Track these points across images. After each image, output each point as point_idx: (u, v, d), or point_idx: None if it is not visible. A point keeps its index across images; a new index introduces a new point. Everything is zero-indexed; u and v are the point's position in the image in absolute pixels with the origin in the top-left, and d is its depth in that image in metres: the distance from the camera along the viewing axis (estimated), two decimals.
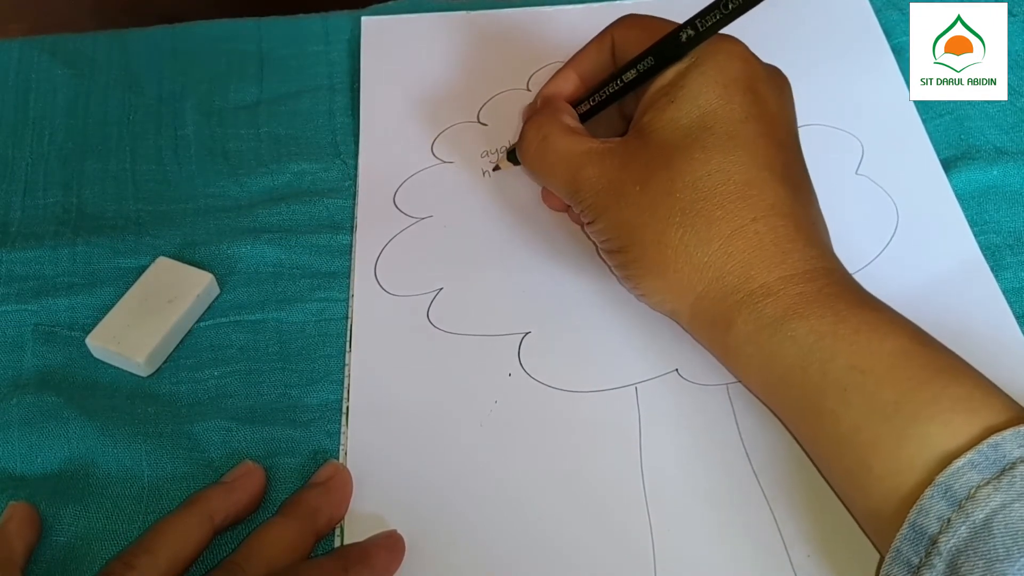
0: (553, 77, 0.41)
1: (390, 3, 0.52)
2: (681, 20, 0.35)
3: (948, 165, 0.44)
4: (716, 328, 0.34)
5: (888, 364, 0.30)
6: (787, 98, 0.37)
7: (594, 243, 0.38)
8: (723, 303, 0.33)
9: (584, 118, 0.40)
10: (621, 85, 0.38)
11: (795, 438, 0.34)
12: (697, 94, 0.35)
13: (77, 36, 0.51)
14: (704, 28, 0.34)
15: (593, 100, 0.39)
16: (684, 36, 0.35)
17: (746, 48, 0.36)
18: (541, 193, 0.43)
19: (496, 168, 0.45)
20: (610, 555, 0.33)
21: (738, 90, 0.35)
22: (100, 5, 1.14)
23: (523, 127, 0.39)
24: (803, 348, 0.31)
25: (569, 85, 0.40)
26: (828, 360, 0.31)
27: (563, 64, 0.41)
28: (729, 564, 0.33)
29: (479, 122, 0.47)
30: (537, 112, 0.39)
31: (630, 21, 0.39)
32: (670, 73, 0.36)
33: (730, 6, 0.33)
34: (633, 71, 0.37)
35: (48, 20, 1.11)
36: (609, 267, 0.38)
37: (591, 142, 0.37)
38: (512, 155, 0.43)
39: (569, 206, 0.39)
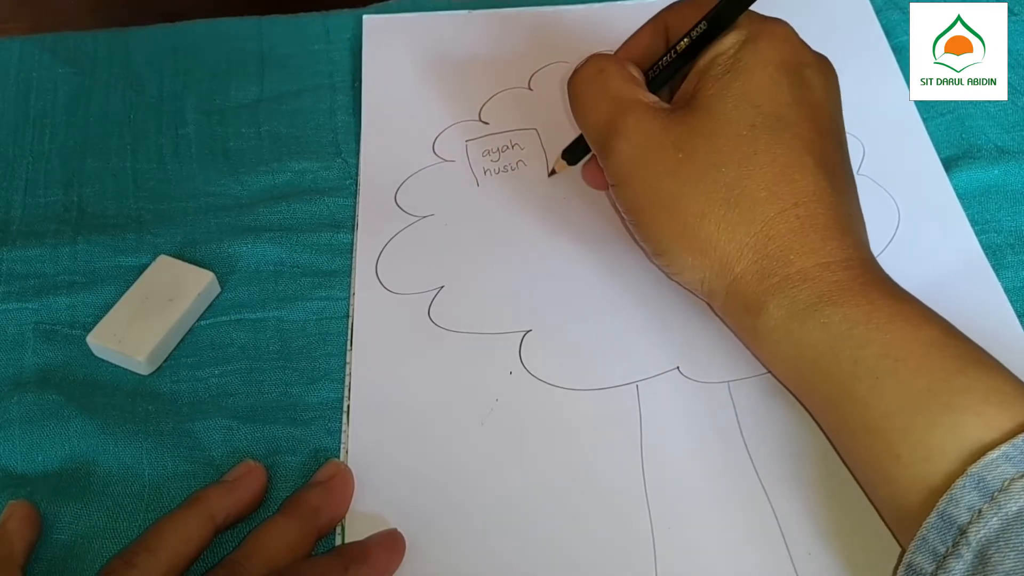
0: None
1: (391, 2, 0.52)
2: None
3: (949, 164, 0.44)
4: (748, 313, 0.34)
5: (922, 353, 0.30)
6: (833, 87, 0.37)
7: (621, 215, 0.37)
8: (759, 285, 0.33)
9: None
10: (674, 57, 0.37)
11: (819, 426, 0.34)
12: (751, 70, 0.34)
13: (78, 34, 0.51)
14: None
15: (646, 77, 0.38)
16: None
17: (795, 33, 0.36)
18: (582, 170, 0.41)
19: (552, 173, 0.44)
20: (611, 552, 0.33)
21: (787, 73, 0.35)
22: (101, 3, 1.14)
23: (585, 59, 0.37)
24: (835, 335, 0.31)
25: None
26: (861, 347, 0.31)
27: (615, 51, 0.39)
28: (730, 561, 0.33)
29: (480, 121, 0.47)
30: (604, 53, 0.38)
31: (683, 3, 0.38)
32: (725, 44, 0.35)
33: None
34: (686, 39, 0.36)
35: (49, 18, 1.11)
36: (637, 241, 0.36)
37: (645, 94, 0.36)
38: (567, 153, 0.42)
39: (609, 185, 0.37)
